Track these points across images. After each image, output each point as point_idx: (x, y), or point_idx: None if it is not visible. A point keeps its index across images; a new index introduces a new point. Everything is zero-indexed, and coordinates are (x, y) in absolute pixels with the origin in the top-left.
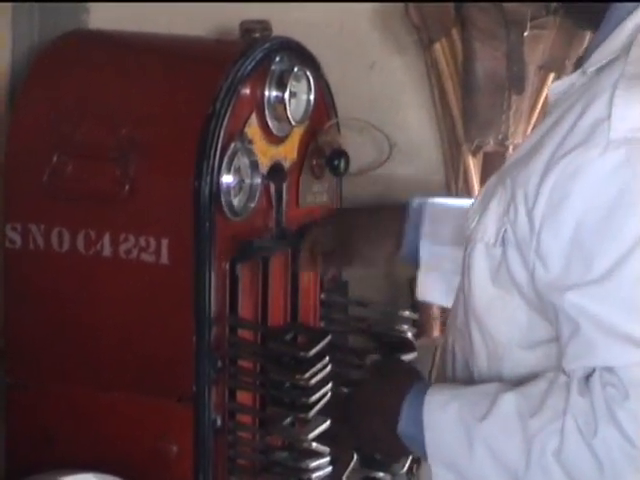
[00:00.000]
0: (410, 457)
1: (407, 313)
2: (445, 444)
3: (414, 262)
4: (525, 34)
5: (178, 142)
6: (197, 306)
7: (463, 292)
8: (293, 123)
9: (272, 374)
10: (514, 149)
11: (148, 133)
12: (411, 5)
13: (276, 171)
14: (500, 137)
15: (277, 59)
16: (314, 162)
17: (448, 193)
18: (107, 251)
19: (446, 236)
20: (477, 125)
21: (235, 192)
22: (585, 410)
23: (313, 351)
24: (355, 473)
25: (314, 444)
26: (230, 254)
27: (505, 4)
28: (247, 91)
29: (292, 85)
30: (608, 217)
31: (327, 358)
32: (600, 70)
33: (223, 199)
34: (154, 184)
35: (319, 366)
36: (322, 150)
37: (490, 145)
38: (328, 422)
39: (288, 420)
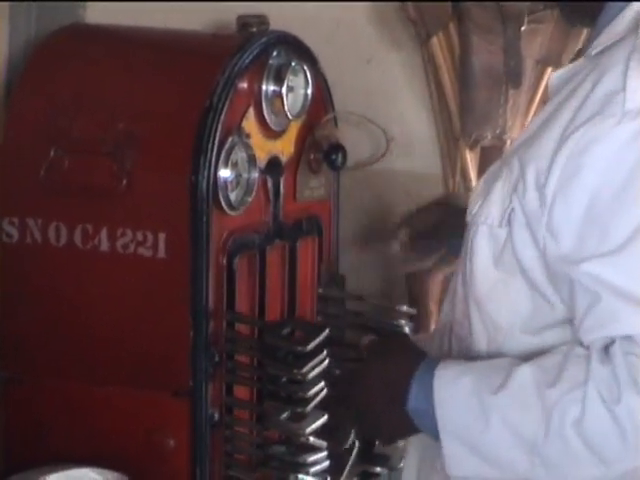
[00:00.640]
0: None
1: (405, 308)
2: (458, 418)
3: None
4: (522, 28)
5: (175, 136)
6: (194, 300)
7: (464, 279)
8: (290, 117)
9: (269, 368)
10: (511, 143)
11: (145, 127)
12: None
13: (273, 165)
14: (497, 131)
15: (274, 53)
16: (311, 156)
17: (445, 187)
18: (104, 245)
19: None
20: (474, 119)
21: (232, 186)
22: (607, 378)
23: (311, 345)
24: (354, 468)
25: (311, 438)
26: (227, 248)
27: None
28: (244, 85)
29: (289, 79)
30: (624, 187)
31: (324, 352)
32: (606, 50)
33: (220, 193)
34: (151, 178)
35: (316, 360)
36: (319, 144)
37: (487, 139)
38: (325, 416)
39: (285, 414)
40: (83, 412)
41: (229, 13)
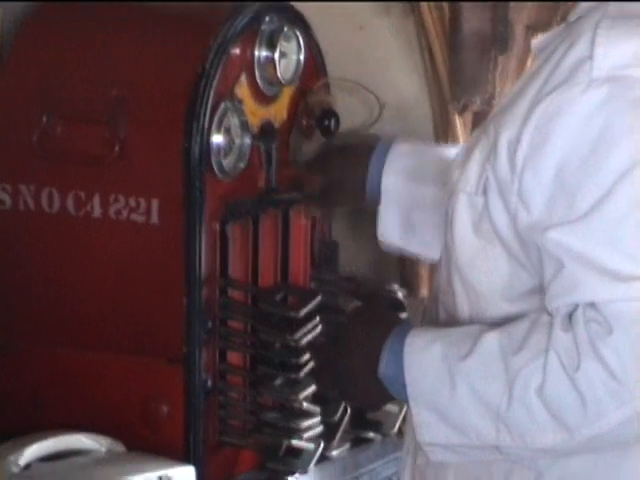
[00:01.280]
0: (401, 417)
1: (395, 287)
2: (426, 384)
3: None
4: None
5: (168, 102)
6: (187, 266)
7: (446, 246)
8: (283, 83)
9: (262, 335)
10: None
11: (137, 94)
12: None
13: (266, 131)
14: (487, 96)
15: (267, 19)
16: (304, 122)
17: None
18: (97, 212)
19: (408, 171)
20: (463, 84)
21: (225, 152)
22: (568, 345)
23: (303, 311)
24: (346, 434)
25: (305, 404)
26: (220, 214)
27: None
28: (237, 51)
29: (282, 45)
30: (590, 155)
31: (317, 318)
32: (582, 17)
33: (213, 159)
34: (144, 145)
35: (309, 326)
36: (312, 110)
37: (477, 104)
38: (317, 383)
39: (279, 380)
40: (77, 379)
41: None
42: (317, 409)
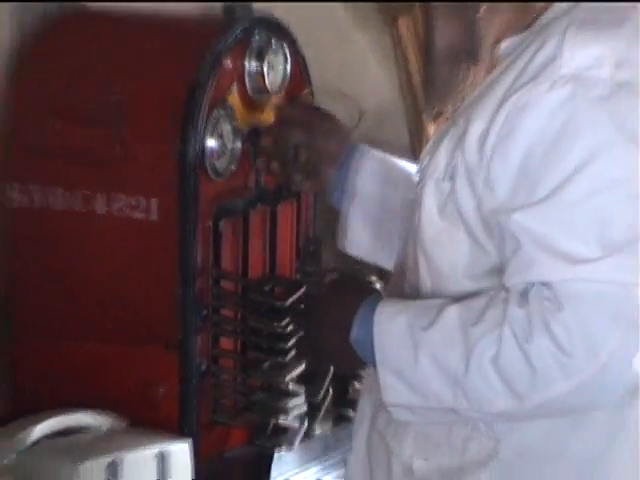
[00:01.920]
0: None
1: (373, 278)
2: (392, 351)
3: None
4: (481, 9)
5: (166, 109)
6: (183, 260)
7: (413, 227)
8: (271, 92)
9: (252, 322)
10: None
11: (139, 101)
12: None
13: (255, 136)
14: (458, 105)
15: (256, 33)
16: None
17: (413, 157)
18: (101, 209)
19: (379, 174)
20: (436, 94)
21: (218, 155)
22: (521, 320)
23: (289, 301)
24: (329, 412)
25: (290, 385)
26: (214, 212)
27: None
28: (229, 63)
29: (270, 58)
30: (553, 146)
31: (302, 307)
32: (550, 23)
33: (207, 162)
34: (144, 148)
35: (296, 314)
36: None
37: (449, 112)
38: (303, 365)
39: (267, 364)
40: (85, 367)
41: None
42: (302, 390)
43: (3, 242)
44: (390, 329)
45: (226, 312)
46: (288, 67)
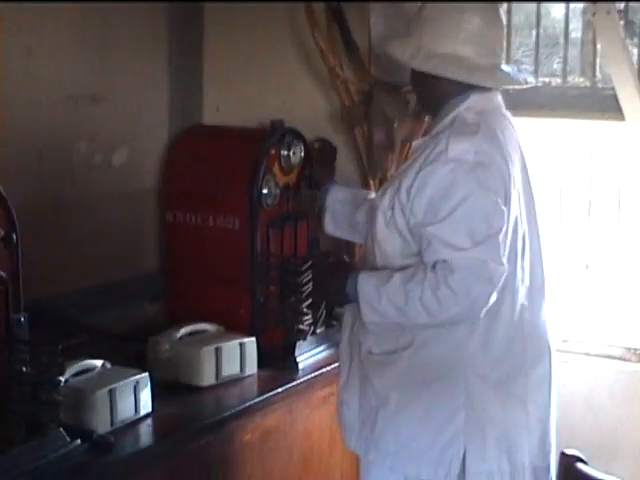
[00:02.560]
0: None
1: (345, 256)
2: (368, 297)
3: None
4: (395, 124)
5: (243, 178)
6: (252, 247)
7: (371, 231)
8: (293, 165)
9: (287, 277)
10: (396, 173)
11: (229, 174)
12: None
13: (287, 188)
14: (388, 173)
15: (286, 137)
16: (302, 184)
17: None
18: (211, 223)
19: (347, 197)
20: (376, 167)
21: (267, 197)
22: (432, 278)
23: (304, 267)
24: (323, 322)
25: (304, 309)
26: (266, 225)
27: (388, 113)
28: (273, 151)
29: (293, 149)
30: (444, 193)
31: (310, 271)
32: (440, 131)
33: (262, 200)
34: (232, 193)
35: (307, 274)
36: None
37: (384, 176)
38: (311, 299)
39: (293, 299)
40: (203, 300)
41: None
42: (310, 312)
43: (163, 241)
44: (366, 285)
45: (273, 273)
46: (302, 153)
